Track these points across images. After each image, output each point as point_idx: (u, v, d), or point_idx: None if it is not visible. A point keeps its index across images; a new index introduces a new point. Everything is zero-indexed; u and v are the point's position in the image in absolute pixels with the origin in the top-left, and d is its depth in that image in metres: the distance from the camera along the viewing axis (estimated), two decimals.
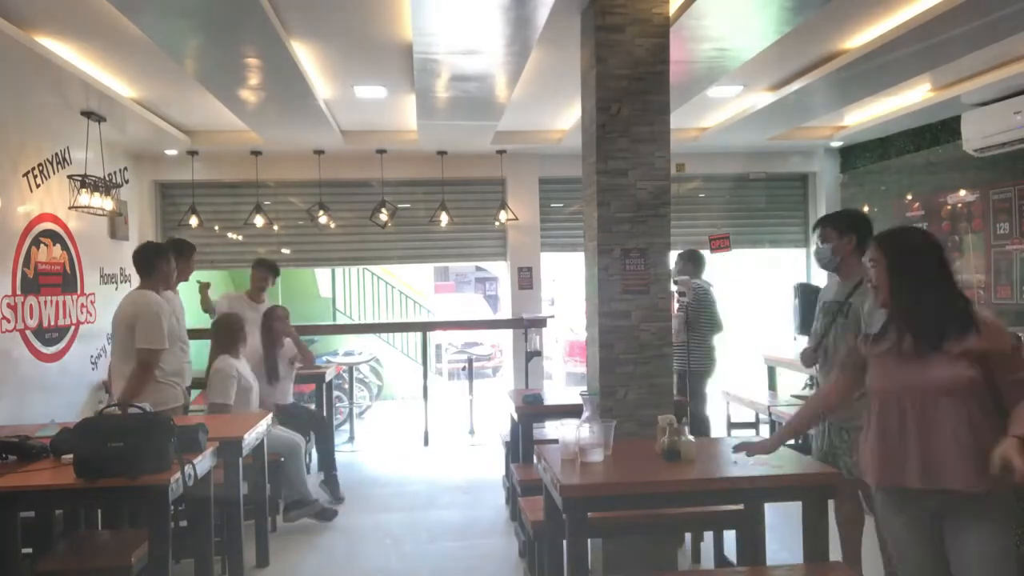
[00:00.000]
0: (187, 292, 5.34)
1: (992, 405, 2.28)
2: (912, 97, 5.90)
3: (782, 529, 3.89)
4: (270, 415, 4.44)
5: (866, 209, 7.45)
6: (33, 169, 5.52)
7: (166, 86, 5.18)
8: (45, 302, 5.57)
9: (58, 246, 5.80)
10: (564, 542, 2.87)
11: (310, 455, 6.02)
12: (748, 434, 6.39)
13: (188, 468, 3.04)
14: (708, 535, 4.09)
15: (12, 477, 2.98)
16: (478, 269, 17.09)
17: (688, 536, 4.32)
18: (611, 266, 3.86)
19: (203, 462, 3.26)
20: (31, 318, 5.38)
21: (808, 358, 3.64)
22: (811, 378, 5.64)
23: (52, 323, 5.65)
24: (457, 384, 10.88)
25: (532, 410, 4.66)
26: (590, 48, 3.90)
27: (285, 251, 7.85)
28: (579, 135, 4.20)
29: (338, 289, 11.52)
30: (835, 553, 3.16)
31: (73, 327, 5.95)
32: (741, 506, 3.36)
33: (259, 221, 7.28)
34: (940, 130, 6.41)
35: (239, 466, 3.78)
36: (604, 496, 2.79)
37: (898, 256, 2.41)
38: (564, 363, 11.31)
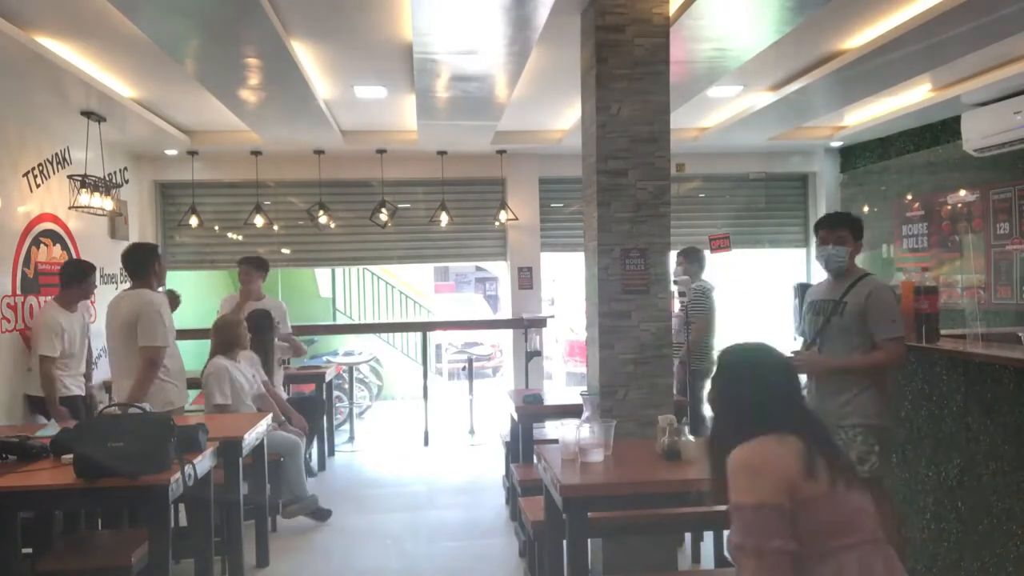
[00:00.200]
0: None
1: None
2: (912, 97, 5.90)
3: None
4: (270, 415, 4.44)
5: (866, 209, 7.46)
6: (33, 169, 5.52)
7: (166, 86, 5.18)
8: (45, 302, 5.56)
9: (58, 246, 5.80)
10: (564, 542, 2.87)
11: (310, 455, 6.03)
12: None
13: (188, 468, 3.04)
14: (708, 535, 4.10)
15: (12, 477, 2.98)
16: (478, 269, 17.09)
17: (688, 536, 4.32)
18: (611, 266, 3.86)
19: (203, 462, 3.26)
20: (31, 318, 5.38)
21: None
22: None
23: None
24: (457, 384, 10.88)
25: (532, 410, 4.66)
26: (590, 48, 3.90)
27: (285, 251, 7.85)
28: (579, 135, 4.21)
29: (338, 289, 11.52)
30: None
31: None
32: None
33: (259, 221, 7.28)
34: (940, 130, 6.41)
35: (239, 466, 3.78)
36: (604, 496, 2.79)
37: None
38: (564, 363, 11.30)
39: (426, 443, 7.33)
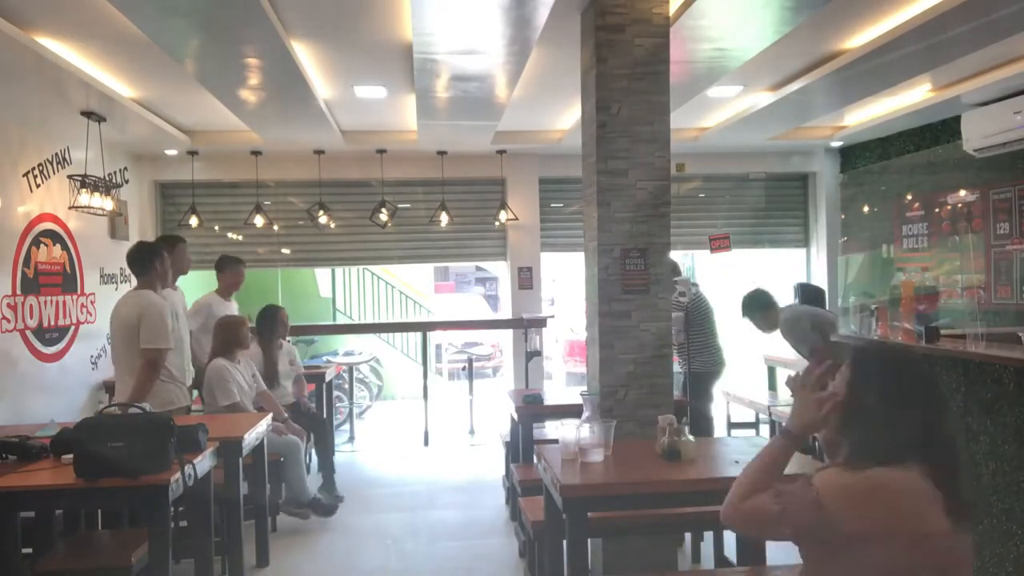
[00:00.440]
0: (189, 291, 5.33)
1: None
2: (912, 97, 5.89)
3: None
4: (270, 415, 4.44)
5: (866, 209, 7.46)
6: (33, 169, 5.52)
7: (166, 86, 5.18)
8: (45, 302, 5.57)
9: (58, 246, 5.80)
10: (564, 542, 2.87)
11: (310, 455, 6.02)
12: (748, 434, 6.39)
13: (188, 468, 3.04)
14: (708, 535, 4.10)
15: (12, 477, 2.98)
16: (478, 269, 17.08)
17: (688, 536, 4.32)
18: (611, 266, 3.86)
19: (203, 462, 3.27)
20: (31, 318, 5.38)
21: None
22: None
23: (52, 323, 5.65)
24: (457, 384, 10.88)
25: (532, 410, 4.66)
26: (590, 48, 3.90)
27: (285, 251, 7.84)
28: (579, 135, 4.21)
29: (338, 289, 11.52)
30: None
31: (73, 327, 5.95)
32: None
33: (259, 221, 7.27)
34: (940, 130, 6.41)
35: (239, 466, 3.78)
36: (604, 496, 2.79)
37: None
38: (564, 363, 11.30)
39: (426, 443, 7.33)
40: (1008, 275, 5.78)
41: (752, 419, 6.60)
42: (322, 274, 11.00)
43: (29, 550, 3.45)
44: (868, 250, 7.40)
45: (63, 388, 5.76)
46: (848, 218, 7.78)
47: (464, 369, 9.01)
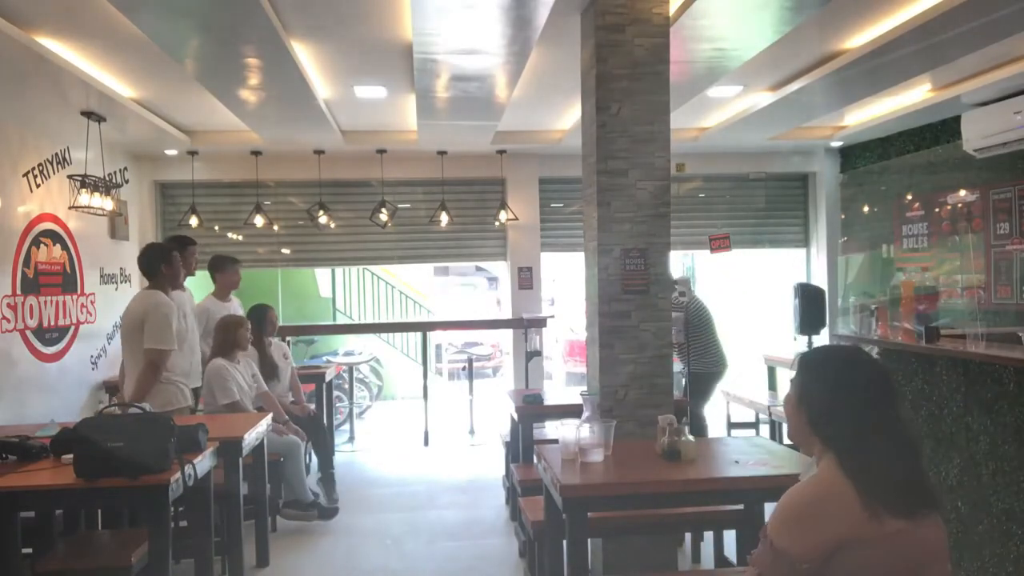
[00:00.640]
0: (195, 289, 5.33)
1: None
2: (912, 97, 5.89)
3: None
4: (270, 415, 4.44)
5: (866, 209, 7.46)
6: (33, 169, 5.52)
7: (166, 86, 5.18)
8: (45, 302, 5.57)
9: (58, 246, 5.80)
10: (564, 542, 2.87)
11: (309, 455, 6.02)
12: (748, 434, 6.39)
13: (188, 468, 3.04)
14: (708, 535, 4.09)
15: (12, 477, 2.98)
16: (478, 269, 17.07)
17: (688, 536, 4.32)
18: (611, 266, 3.86)
19: (203, 462, 3.26)
20: (31, 318, 5.38)
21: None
22: None
23: (52, 323, 5.65)
24: (457, 384, 10.88)
25: (532, 410, 4.66)
26: (590, 48, 3.90)
27: (285, 251, 7.84)
28: (579, 135, 4.21)
29: (338, 289, 11.51)
30: None
31: (73, 327, 5.95)
32: (741, 506, 3.37)
33: (259, 221, 7.27)
34: (940, 130, 6.41)
35: (239, 466, 3.78)
36: (604, 496, 2.79)
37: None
38: (564, 363, 11.30)
39: (426, 443, 7.33)
40: (1008, 275, 5.78)
41: (752, 419, 6.61)
42: (322, 274, 11.00)
43: (29, 550, 3.44)
44: (868, 250, 7.40)
45: (63, 388, 5.76)
46: (848, 218, 7.78)
47: (464, 369, 9.01)
